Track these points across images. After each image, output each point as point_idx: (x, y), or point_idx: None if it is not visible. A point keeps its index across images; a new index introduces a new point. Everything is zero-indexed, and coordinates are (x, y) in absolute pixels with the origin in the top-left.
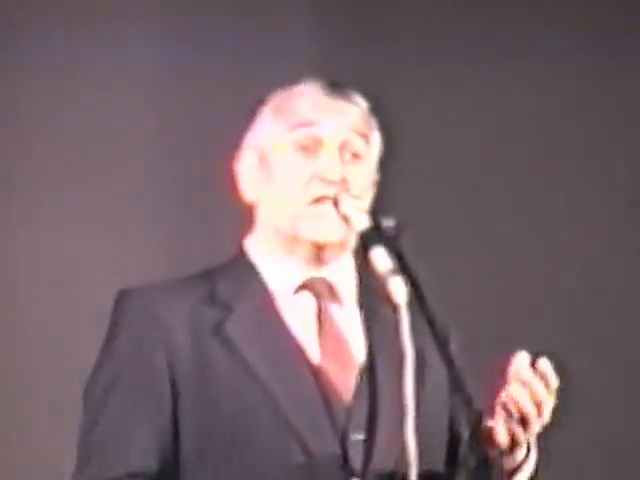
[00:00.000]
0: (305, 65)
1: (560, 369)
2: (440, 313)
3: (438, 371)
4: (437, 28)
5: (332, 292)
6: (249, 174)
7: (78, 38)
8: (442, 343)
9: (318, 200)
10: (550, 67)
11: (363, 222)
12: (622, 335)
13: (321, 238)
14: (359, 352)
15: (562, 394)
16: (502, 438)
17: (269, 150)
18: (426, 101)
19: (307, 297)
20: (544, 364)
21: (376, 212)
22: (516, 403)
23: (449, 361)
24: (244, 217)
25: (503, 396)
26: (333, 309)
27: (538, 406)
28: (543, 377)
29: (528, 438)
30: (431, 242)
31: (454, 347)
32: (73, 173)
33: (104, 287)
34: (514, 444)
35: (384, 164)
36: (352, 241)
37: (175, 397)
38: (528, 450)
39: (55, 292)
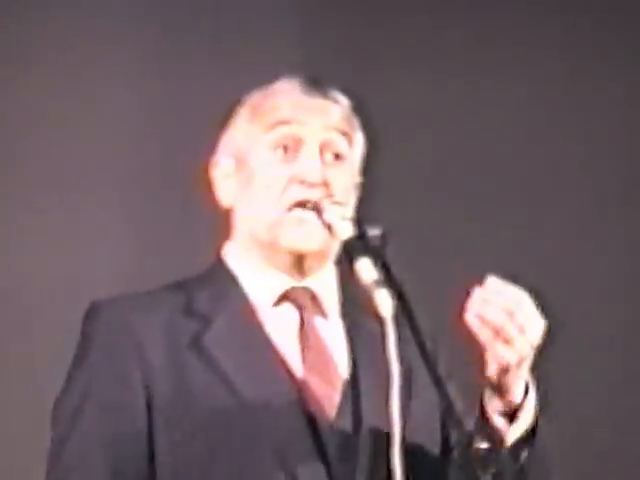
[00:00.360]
0: (290, 67)
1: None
2: (428, 324)
3: (428, 383)
4: (424, 31)
5: (315, 303)
6: (225, 179)
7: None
8: (429, 360)
9: (298, 204)
10: (534, 70)
11: (347, 231)
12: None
13: (301, 246)
14: (343, 366)
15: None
16: (491, 370)
17: (246, 153)
18: (412, 103)
19: (289, 309)
20: (494, 281)
21: (361, 220)
22: (482, 318)
23: (437, 380)
24: (221, 224)
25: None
26: (316, 321)
27: (511, 316)
28: (500, 293)
29: (516, 361)
30: (417, 249)
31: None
32: (45, 180)
33: (75, 299)
34: (503, 372)
35: (368, 167)
36: (334, 250)
37: (150, 413)
38: (526, 393)
39: (25, 303)
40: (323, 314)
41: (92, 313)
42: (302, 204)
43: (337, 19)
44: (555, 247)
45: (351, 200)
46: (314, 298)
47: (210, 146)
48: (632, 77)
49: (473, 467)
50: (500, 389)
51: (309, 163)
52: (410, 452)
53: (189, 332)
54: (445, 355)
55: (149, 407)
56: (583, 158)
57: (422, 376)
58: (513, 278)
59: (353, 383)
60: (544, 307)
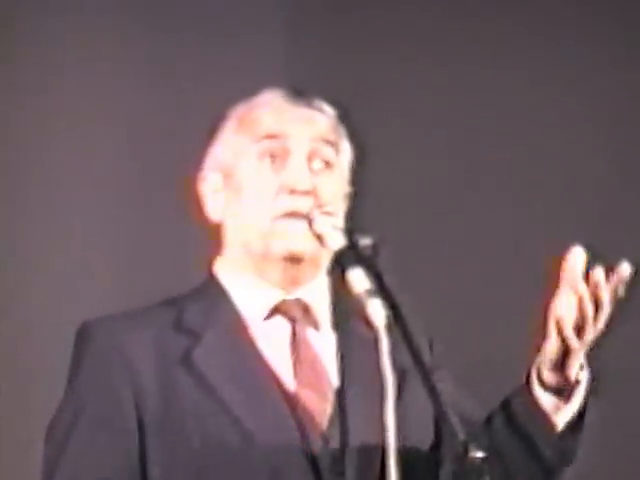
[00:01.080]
0: (275, 78)
1: None
2: (423, 329)
3: (422, 392)
4: (410, 38)
5: (307, 314)
6: (214, 194)
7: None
8: (423, 370)
9: (289, 215)
10: (523, 78)
11: (338, 241)
12: None
13: (294, 250)
14: (335, 376)
15: None
16: (552, 348)
17: (234, 166)
18: (399, 113)
19: (281, 322)
20: (624, 268)
21: (352, 230)
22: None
23: (431, 388)
24: (212, 239)
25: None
26: (308, 333)
27: (596, 309)
28: (620, 280)
29: (582, 348)
30: (406, 259)
31: (440, 368)
32: (35, 198)
33: (67, 317)
34: (566, 353)
35: (356, 176)
36: (325, 260)
37: (142, 432)
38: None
39: (16, 322)
40: (315, 326)
41: (83, 333)
42: (292, 215)
43: (322, 30)
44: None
45: (341, 209)
46: (306, 309)
47: (196, 160)
48: (633, 75)
49: (468, 476)
50: (558, 365)
51: (297, 171)
52: (403, 461)
53: (179, 348)
54: (442, 355)
55: (140, 425)
56: (575, 164)
57: (417, 385)
58: (508, 280)
59: (344, 396)
60: None
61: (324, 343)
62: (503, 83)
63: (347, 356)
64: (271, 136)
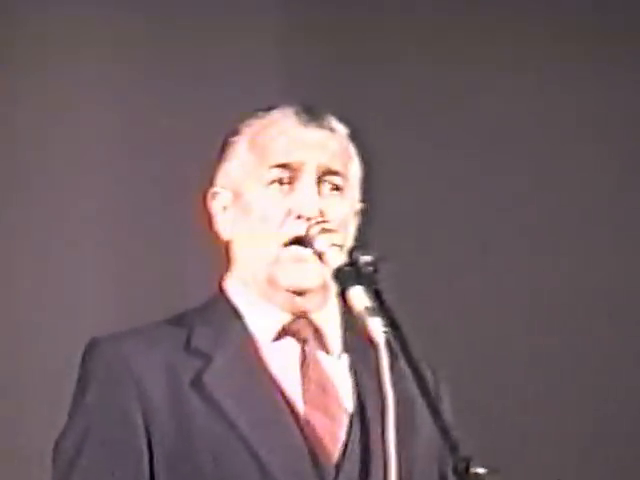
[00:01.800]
0: (278, 94)
1: None
2: (426, 351)
3: (426, 419)
4: (411, 50)
5: (317, 336)
6: (224, 212)
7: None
8: (424, 387)
9: (295, 241)
10: (525, 88)
11: (338, 258)
12: None
13: (301, 285)
14: (348, 401)
15: None
16: None
17: (243, 185)
18: (404, 128)
19: (291, 343)
20: None
21: (353, 247)
22: None
23: (432, 406)
24: (221, 255)
25: None
26: (318, 355)
27: None
28: None
29: None
30: (412, 275)
31: (443, 388)
32: (42, 215)
33: (74, 335)
34: None
35: (364, 193)
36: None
37: (151, 453)
38: None
39: (23, 340)
40: (325, 347)
41: (91, 350)
42: (299, 241)
43: (325, 44)
44: (551, 268)
45: (350, 228)
46: (317, 331)
47: (206, 177)
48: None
49: None
50: None
51: (306, 197)
52: None
53: (190, 370)
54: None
55: (150, 446)
56: (583, 172)
57: (421, 412)
58: (508, 299)
59: (358, 419)
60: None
61: (335, 365)
62: (515, 98)
63: (359, 379)
64: (282, 166)
